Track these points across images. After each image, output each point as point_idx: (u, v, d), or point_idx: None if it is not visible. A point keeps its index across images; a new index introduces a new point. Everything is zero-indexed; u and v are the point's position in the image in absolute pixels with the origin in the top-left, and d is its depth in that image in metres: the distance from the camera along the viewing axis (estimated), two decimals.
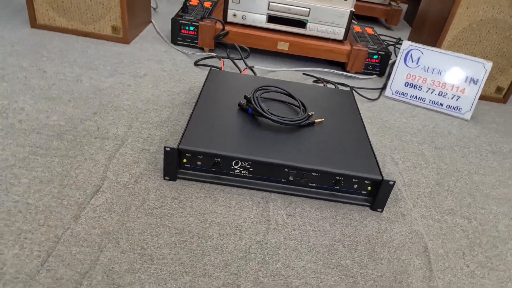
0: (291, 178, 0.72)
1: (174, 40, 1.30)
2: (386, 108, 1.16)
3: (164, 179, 0.73)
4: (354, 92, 1.17)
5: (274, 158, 0.71)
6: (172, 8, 1.66)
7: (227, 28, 1.25)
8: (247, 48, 1.23)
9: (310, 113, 0.86)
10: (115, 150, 0.79)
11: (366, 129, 0.86)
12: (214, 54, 1.24)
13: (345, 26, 1.25)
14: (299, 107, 0.87)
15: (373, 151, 0.78)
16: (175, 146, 0.70)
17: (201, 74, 1.15)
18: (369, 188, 0.74)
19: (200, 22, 1.25)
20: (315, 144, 0.77)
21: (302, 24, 1.25)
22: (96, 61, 1.12)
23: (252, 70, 1.17)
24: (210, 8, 1.39)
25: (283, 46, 1.26)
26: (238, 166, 0.72)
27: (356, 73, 1.32)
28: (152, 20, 1.46)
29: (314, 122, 0.84)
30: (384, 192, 0.72)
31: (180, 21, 1.27)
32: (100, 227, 0.61)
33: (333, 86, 1.18)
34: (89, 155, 0.76)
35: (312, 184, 0.74)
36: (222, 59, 1.18)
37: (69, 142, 0.79)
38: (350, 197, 0.75)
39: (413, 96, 1.20)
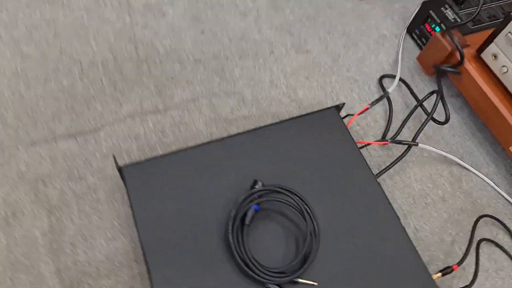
0: None
1: (411, 28, 0.83)
2: None
3: None
4: None
5: None
6: None
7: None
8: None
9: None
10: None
11: None
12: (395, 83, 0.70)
13: None
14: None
15: None
16: None
17: (358, 100, 0.66)
18: None
19: (438, 32, 0.70)
20: None
21: None
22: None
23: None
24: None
25: None
26: None
27: None
28: None
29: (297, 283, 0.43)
30: None
31: (430, 11, 0.76)
32: None
33: None
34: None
35: None
36: (368, 105, 0.64)
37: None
38: None
39: None
